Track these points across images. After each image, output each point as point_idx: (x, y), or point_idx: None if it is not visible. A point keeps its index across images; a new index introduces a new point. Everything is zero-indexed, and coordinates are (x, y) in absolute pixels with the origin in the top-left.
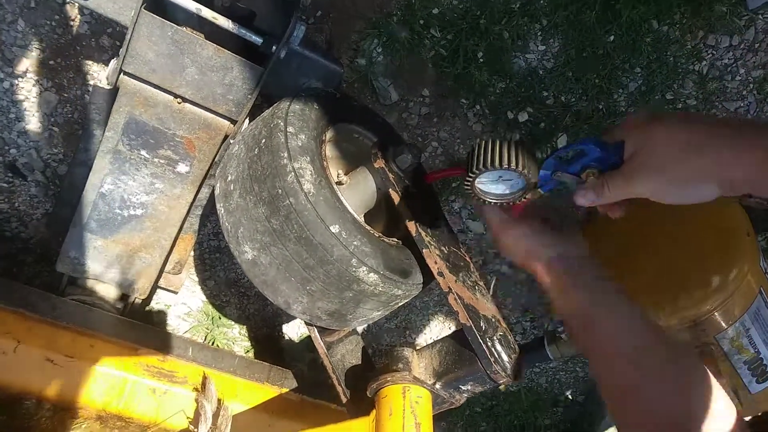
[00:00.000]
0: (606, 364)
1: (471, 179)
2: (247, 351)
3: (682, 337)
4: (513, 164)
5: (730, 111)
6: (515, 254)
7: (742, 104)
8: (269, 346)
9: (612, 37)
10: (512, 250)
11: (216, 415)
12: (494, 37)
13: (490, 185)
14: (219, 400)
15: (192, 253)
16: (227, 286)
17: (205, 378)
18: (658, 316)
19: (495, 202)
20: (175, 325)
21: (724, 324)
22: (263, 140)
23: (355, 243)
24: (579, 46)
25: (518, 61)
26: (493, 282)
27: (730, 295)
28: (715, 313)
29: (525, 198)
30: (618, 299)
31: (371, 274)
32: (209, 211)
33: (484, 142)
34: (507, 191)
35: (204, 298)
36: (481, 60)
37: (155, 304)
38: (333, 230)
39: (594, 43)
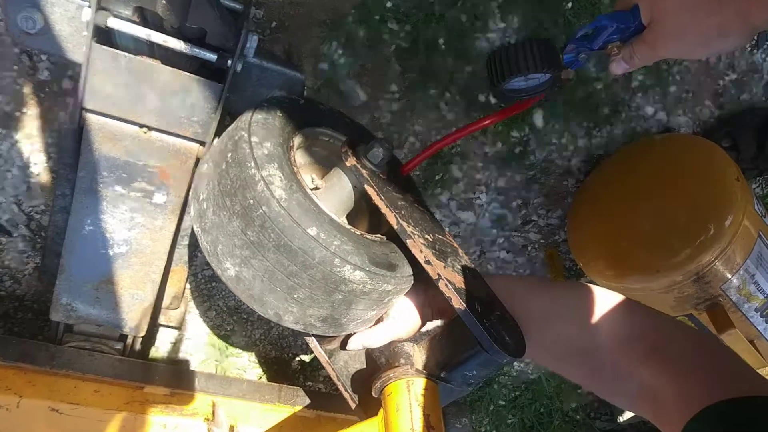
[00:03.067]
0: None
1: (496, 89)
2: (260, 377)
3: (687, 292)
4: (534, 67)
5: (702, 61)
6: None
7: None
8: (281, 370)
9: (570, 4)
10: None
11: None
12: (452, 21)
13: (519, 85)
14: (231, 427)
15: (188, 286)
16: (229, 314)
17: (214, 405)
18: (661, 272)
19: (526, 97)
20: (184, 361)
21: (727, 273)
22: (229, 154)
23: (335, 243)
24: (538, 17)
25: (480, 42)
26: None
27: (729, 242)
28: (717, 263)
29: (558, 85)
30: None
31: (357, 272)
32: (197, 241)
33: (499, 51)
34: (536, 84)
35: (208, 330)
36: (443, 47)
37: (160, 344)
38: (311, 233)
39: (553, 13)
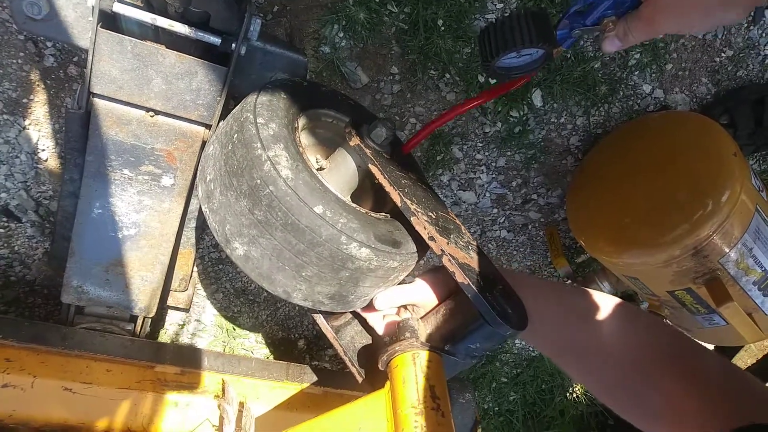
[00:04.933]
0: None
1: (489, 66)
2: (267, 357)
3: (686, 266)
4: (529, 42)
5: (699, 38)
6: None
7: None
8: (287, 350)
9: None
10: None
11: (239, 418)
12: (451, 2)
13: (511, 62)
14: (241, 403)
15: (195, 268)
16: (236, 296)
17: (224, 383)
18: (659, 247)
19: (519, 74)
20: (192, 342)
21: (725, 247)
22: (235, 135)
23: (342, 221)
24: None
25: (479, 23)
26: None
27: (726, 217)
28: (715, 237)
29: (549, 61)
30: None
31: (363, 249)
32: (204, 224)
33: (493, 25)
34: (529, 60)
35: (215, 311)
36: (442, 28)
37: (169, 325)
38: (317, 211)
39: None
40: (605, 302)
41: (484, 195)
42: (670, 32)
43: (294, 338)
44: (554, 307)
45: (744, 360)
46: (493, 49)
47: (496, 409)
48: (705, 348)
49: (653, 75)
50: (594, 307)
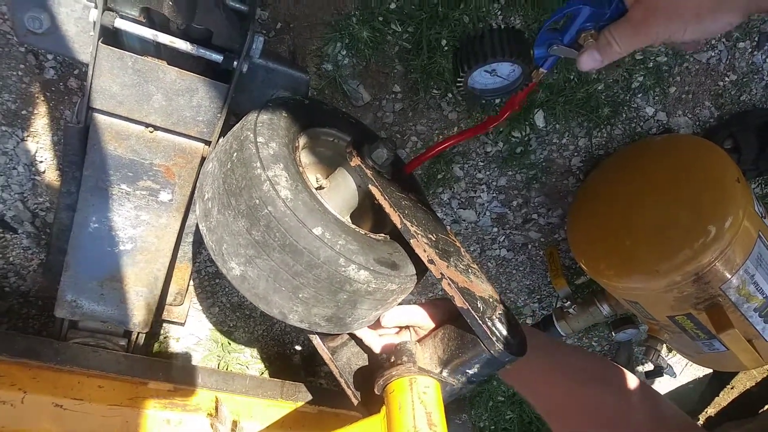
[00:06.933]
0: None
1: (462, 82)
2: (262, 373)
3: (687, 292)
4: (500, 54)
5: (703, 62)
6: None
7: (713, 53)
8: (283, 366)
9: None
10: None
11: None
12: (454, 23)
13: (486, 81)
14: (234, 422)
15: (191, 282)
16: (232, 310)
17: (217, 401)
18: (661, 273)
19: (496, 97)
20: (187, 356)
21: (727, 274)
22: (234, 154)
23: (340, 242)
24: (540, 19)
25: None
26: None
27: (729, 243)
28: (717, 264)
29: (528, 84)
30: None
31: (361, 272)
32: (201, 238)
33: (466, 38)
34: (506, 82)
35: (211, 325)
36: (446, 48)
37: (164, 339)
38: (316, 232)
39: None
40: (598, 364)
41: (485, 214)
42: (660, 39)
43: (289, 353)
44: (549, 363)
45: (743, 383)
46: (464, 63)
47: (492, 428)
48: (672, 405)
49: (656, 98)
50: (586, 368)
